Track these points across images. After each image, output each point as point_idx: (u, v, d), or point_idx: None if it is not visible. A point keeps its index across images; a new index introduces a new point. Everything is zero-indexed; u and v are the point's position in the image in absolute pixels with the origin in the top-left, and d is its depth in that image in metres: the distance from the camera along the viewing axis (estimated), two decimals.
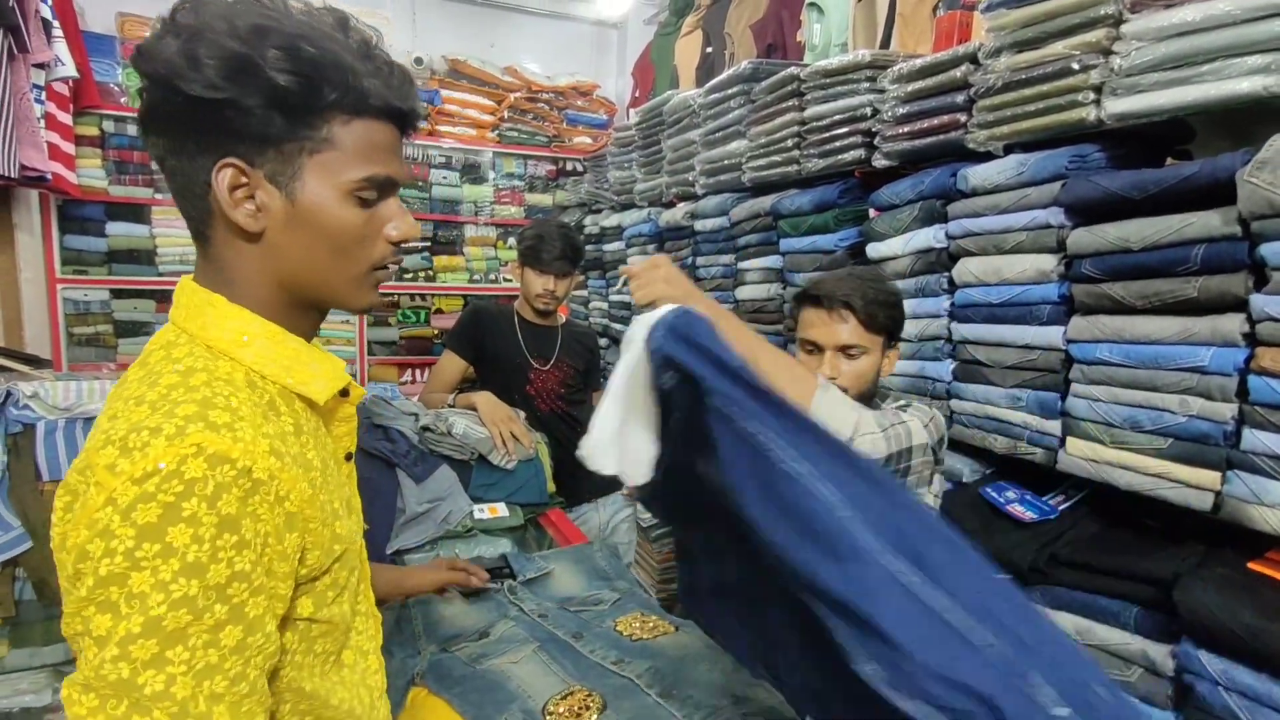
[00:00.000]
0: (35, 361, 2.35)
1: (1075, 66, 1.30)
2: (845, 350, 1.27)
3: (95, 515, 0.55)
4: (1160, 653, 1.18)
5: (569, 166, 4.58)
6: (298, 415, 0.70)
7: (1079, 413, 1.33)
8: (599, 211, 3.65)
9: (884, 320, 1.28)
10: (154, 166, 3.60)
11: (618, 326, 3.43)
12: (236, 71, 0.62)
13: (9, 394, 1.78)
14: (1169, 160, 1.36)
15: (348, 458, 0.81)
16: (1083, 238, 1.28)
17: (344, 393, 0.77)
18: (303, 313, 0.73)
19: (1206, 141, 1.35)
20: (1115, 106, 1.25)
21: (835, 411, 1.12)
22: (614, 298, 3.45)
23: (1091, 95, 1.29)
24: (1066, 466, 1.35)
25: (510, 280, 4.30)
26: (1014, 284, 1.43)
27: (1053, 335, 1.36)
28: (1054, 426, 1.38)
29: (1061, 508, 1.45)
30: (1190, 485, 1.17)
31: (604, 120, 4.59)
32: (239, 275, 0.69)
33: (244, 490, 0.58)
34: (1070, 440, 1.35)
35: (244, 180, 0.65)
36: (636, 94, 4.42)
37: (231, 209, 0.65)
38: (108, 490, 0.55)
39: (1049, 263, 1.36)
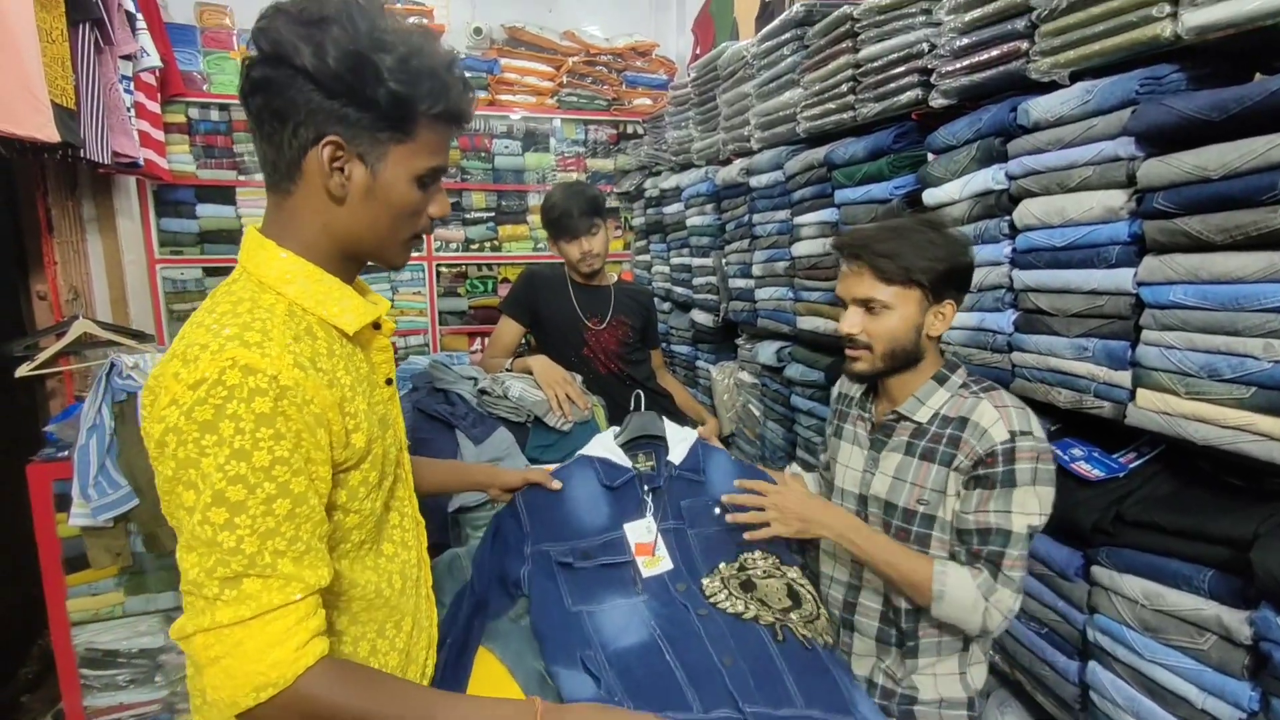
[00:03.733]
0: (140, 336, 2.56)
1: None
2: (865, 304, 1.20)
3: (163, 412, 0.73)
4: (1236, 619, 1.09)
5: (630, 130, 4.53)
6: (332, 340, 0.85)
7: (1150, 361, 1.22)
8: (658, 174, 3.60)
9: (900, 272, 1.16)
10: (237, 150, 3.80)
11: (680, 290, 3.40)
12: (358, 70, 0.76)
13: (113, 365, 1.94)
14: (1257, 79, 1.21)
15: (388, 382, 0.96)
16: (1155, 168, 1.16)
17: (377, 326, 0.92)
18: (347, 262, 0.89)
19: None
20: (1194, 19, 1.12)
21: (961, 584, 1.13)
22: (675, 261, 3.41)
23: (1167, 8, 1.16)
24: (1136, 420, 1.25)
25: None
26: (1080, 224, 1.31)
27: (1122, 278, 1.25)
28: (1123, 377, 1.27)
29: (1132, 465, 1.35)
30: (1275, 438, 1.06)
31: (664, 81, 4.50)
32: (304, 225, 0.84)
33: (275, 394, 0.73)
34: (1141, 392, 1.24)
35: (340, 154, 0.80)
36: (698, 50, 4.31)
37: (326, 178, 0.80)
38: (171, 393, 0.72)
39: (1118, 199, 1.24)
